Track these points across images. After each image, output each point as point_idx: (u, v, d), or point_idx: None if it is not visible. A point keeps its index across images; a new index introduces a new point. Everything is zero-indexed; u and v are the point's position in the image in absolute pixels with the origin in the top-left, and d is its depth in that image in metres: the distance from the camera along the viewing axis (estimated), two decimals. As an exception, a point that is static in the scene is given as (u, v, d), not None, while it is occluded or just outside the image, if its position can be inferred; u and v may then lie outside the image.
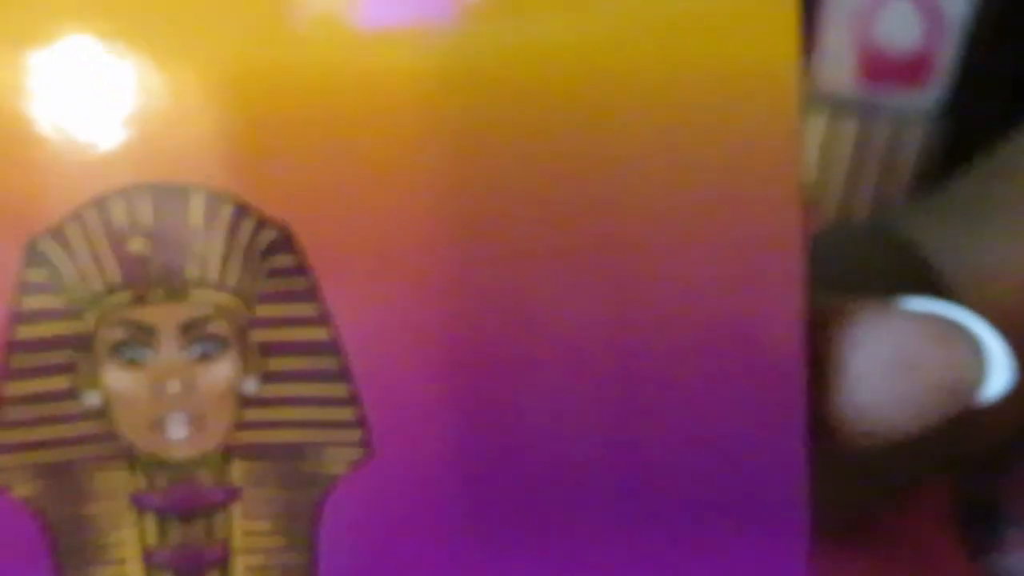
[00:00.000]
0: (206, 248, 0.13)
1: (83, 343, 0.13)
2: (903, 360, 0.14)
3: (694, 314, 0.14)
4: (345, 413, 0.14)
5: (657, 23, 0.13)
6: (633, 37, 0.13)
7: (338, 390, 0.14)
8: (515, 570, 0.14)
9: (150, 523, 0.14)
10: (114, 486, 0.14)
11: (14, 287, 0.13)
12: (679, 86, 0.13)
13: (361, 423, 0.14)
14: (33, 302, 0.13)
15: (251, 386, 0.13)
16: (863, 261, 0.34)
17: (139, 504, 0.14)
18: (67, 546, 0.13)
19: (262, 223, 0.13)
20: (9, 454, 0.13)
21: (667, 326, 0.14)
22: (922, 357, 0.14)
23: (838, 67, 0.56)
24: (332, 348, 0.13)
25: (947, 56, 0.54)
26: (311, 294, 0.13)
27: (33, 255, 0.13)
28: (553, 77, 0.13)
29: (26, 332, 0.13)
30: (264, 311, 0.13)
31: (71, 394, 0.13)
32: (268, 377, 0.14)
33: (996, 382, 0.14)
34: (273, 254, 0.13)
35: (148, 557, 0.14)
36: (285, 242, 0.13)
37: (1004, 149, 0.38)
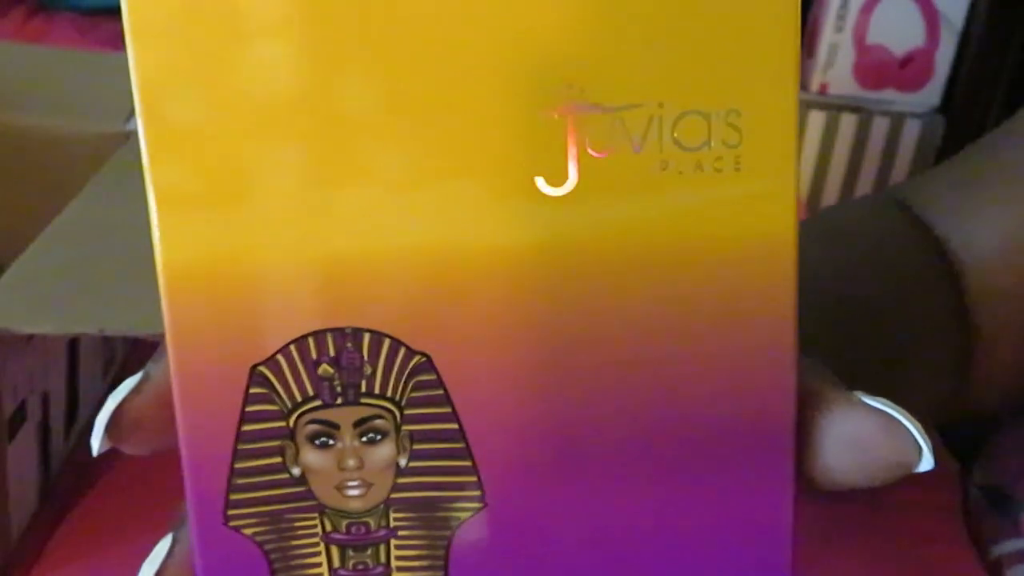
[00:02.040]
0: (372, 370, 0.19)
1: (289, 434, 0.19)
2: (860, 443, 0.19)
3: (712, 404, 0.19)
4: (469, 478, 0.19)
5: (691, 207, 0.18)
6: (676, 218, 0.18)
7: (464, 463, 0.19)
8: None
9: (335, 552, 0.20)
10: (310, 528, 0.20)
11: (242, 398, 0.19)
12: (706, 252, 0.19)
13: (480, 486, 0.19)
14: (254, 408, 0.19)
15: (403, 462, 0.19)
16: (874, 229, 0.38)
17: (327, 540, 0.20)
18: (280, 567, 0.20)
19: (410, 352, 0.19)
20: (240, 508, 0.19)
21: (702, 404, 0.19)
22: (874, 443, 0.19)
23: (837, 67, 0.58)
24: (459, 436, 0.19)
25: (945, 56, 0.56)
26: (445, 400, 0.19)
27: (255, 376, 0.19)
28: (622, 248, 0.19)
29: (249, 427, 0.19)
30: (411, 411, 0.19)
31: (281, 468, 0.19)
32: (415, 455, 0.19)
33: (924, 464, 0.19)
34: (418, 374, 0.19)
35: (334, 574, 0.20)
36: (427, 365, 0.19)
37: (1009, 121, 0.40)
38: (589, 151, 0.18)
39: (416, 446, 0.19)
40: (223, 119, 0.18)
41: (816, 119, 0.62)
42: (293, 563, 0.20)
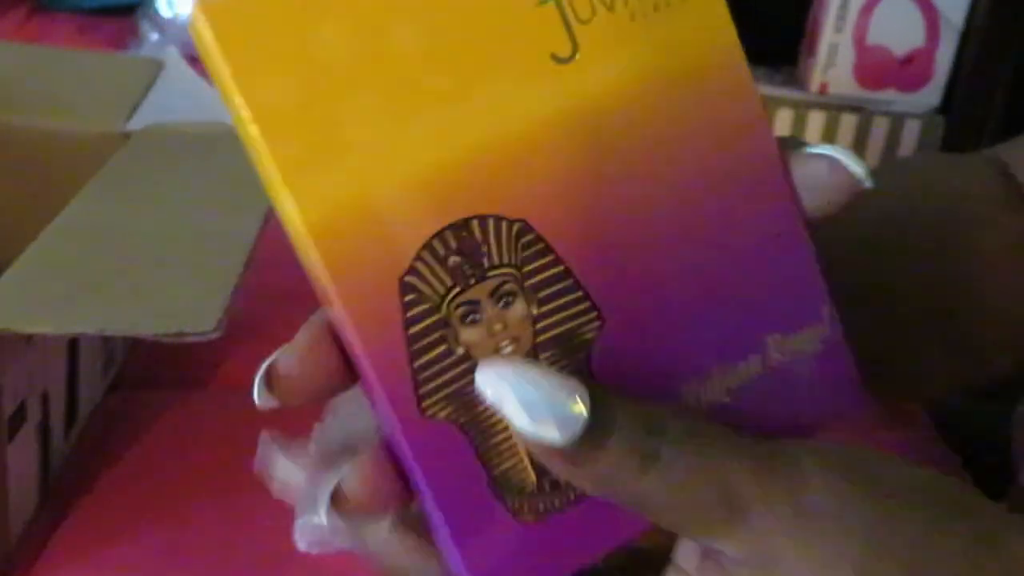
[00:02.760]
0: (487, 247, 0.23)
1: (445, 323, 0.23)
2: (813, 180, 0.26)
3: (726, 176, 0.25)
4: (584, 305, 0.24)
5: (662, 41, 0.24)
6: (656, 52, 0.24)
7: (577, 295, 0.24)
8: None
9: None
10: (486, 393, 0.24)
11: (400, 308, 0.23)
12: (686, 71, 0.25)
13: (595, 307, 0.24)
14: (412, 311, 0.23)
15: (534, 311, 0.24)
16: (965, 184, 0.40)
17: (501, 397, 0.24)
18: (476, 435, 0.24)
19: (510, 222, 0.24)
20: (429, 397, 0.23)
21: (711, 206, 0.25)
22: (823, 176, 0.26)
23: (837, 67, 0.62)
24: (567, 275, 0.24)
25: (945, 56, 0.60)
26: (548, 251, 0.24)
27: (404, 286, 0.23)
28: (627, 90, 0.24)
29: (414, 328, 0.23)
30: (527, 267, 0.24)
31: (449, 352, 0.23)
32: (540, 302, 0.24)
33: (867, 183, 0.26)
34: (522, 236, 0.24)
35: (515, 424, 0.24)
36: (527, 228, 0.24)
37: None
38: (579, 22, 0.24)
39: (539, 295, 0.24)
40: (310, 89, 0.22)
41: (816, 119, 0.63)
42: (485, 429, 0.24)
